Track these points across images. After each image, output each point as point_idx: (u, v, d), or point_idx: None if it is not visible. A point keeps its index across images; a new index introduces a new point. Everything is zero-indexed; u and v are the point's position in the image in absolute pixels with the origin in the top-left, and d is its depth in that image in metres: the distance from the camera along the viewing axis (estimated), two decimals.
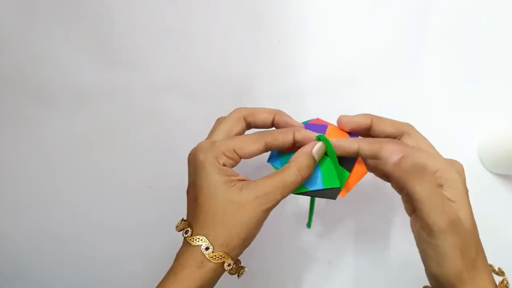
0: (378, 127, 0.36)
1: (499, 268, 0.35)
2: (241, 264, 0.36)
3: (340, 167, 0.36)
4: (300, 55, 0.51)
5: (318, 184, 0.36)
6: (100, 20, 0.52)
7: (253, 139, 0.35)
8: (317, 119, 0.40)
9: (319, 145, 0.35)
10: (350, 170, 0.36)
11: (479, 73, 0.50)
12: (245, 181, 0.34)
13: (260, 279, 0.52)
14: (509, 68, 0.50)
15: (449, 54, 0.51)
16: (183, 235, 0.34)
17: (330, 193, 0.35)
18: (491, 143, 0.50)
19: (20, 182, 0.55)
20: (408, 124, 0.36)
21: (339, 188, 0.35)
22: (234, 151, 0.34)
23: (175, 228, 0.35)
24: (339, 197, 0.36)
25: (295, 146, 0.36)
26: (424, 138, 0.36)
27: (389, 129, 0.36)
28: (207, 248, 0.32)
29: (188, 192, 0.36)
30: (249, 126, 0.38)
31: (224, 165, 0.34)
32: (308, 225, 0.43)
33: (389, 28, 0.51)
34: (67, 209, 0.54)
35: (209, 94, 0.51)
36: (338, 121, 0.38)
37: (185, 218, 0.36)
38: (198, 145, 0.35)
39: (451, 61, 0.51)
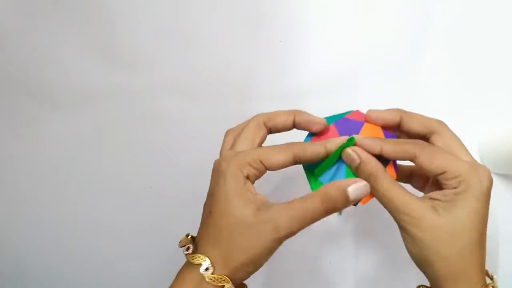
0: (406, 125, 0.34)
1: (492, 275, 0.35)
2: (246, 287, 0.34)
3: None
4: (300, 55, 0.51)
5: None
6: (101, 20, 0.52)
7: (280, 150, 0.32)
8: (357, 111, 0.37)
9: (360, 185, 0.30)
10: None
11: (480, 73, 0.50)
12: (263, 202, 0.31)
13: (260, 278, 0.52)
14: (510, 68, 0.50)
15: (450, 54, 0.51)
16: (184, 252, 0.32)
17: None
18: (491, 143, 0.50)
19: (21, 182, 0.55)
20: (438, 122, 0.34)
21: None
22: (261, 162, 0.31)
23: (178, 244, 0.34)
24: (359, 204, 0.33)
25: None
26: (455, 137, 0.34)
27: (418, 128, 0.34)
28: (207, 269, 0.30)
29: (204, 205, 0.33)
30: (270, 131, 0.35)
31: (247, 177, 0.31)
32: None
33: (390, 28, 0.51)
34: (67, 209, 0.54)
35: (210, 94, 0.51)
36: (367, 117, 0.36)
37: (191, 234, 0.34)
38: (222, 155, 0.33)
39: (451, 61, 0.51)
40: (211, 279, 0.29)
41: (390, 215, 0.33)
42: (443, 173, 0.31)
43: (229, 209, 0.30)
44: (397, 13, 0.51)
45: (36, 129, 0.54)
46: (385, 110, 0.35)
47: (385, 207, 0.32)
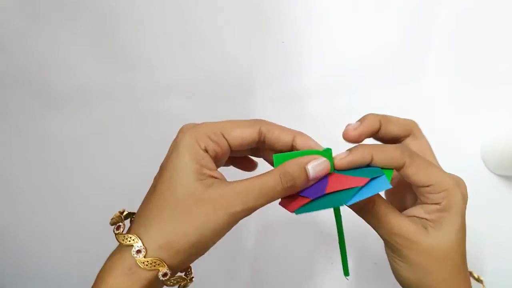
0: (386, 129, 0.32)
1: (478, 276, 0.35)
2: (191, 272, 0.30)
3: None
4: (303, 56, 0.51)
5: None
6: (104, 20, 0.53)
7: (244, 122, 0.29)
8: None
9: (319, 161, 0.29)
10: None
11: (483, 74, 0.50)
12: (218, 180, 0.28)
13: (262, 279, 0.53)
14: None
15: (453, 55, 0.51)
16: (113, 231, 0.28)
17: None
18: (494, 144, 0.50)
19: (22, 181, 0.55)
20: (413, 123, 0.33)
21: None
22: (222, 134, 0.28)
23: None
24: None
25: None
26: (427, 142, 0.33)
27: (398, 131, 0.32)
28: (138, 251, 0.26)
29: (155, 177, 0.30)
30: (261, 138, 0.31)
31: (205, 150, 0.28)
32: (346, 272, 0.36)
33: (392, 29, 0.51)
34: (68, 209, 0.54)
35: (213, 95, 0.51)
36: (346, 134, 0.32)
37: (127, 210, 0.30)
38: (181, 127, 0.30)
39: (454, 62, 0.51)
40: (143, 262, 0.25)
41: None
42: (428, 186, 0.30)
43: (177, 183, 0.27)
44: (400, 15, 0.51)
45: (38, 128, 0.55)
46: (365, 121, 0.31)
47: (378, 230, 0.31)
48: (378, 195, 0.31)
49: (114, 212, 0.52)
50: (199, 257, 0.28)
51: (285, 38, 0.51)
